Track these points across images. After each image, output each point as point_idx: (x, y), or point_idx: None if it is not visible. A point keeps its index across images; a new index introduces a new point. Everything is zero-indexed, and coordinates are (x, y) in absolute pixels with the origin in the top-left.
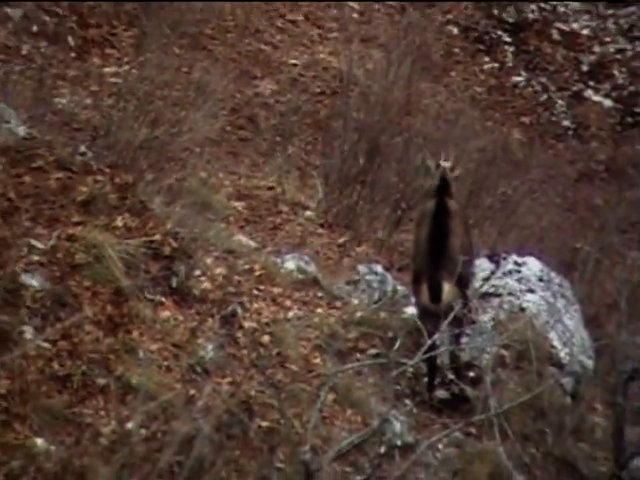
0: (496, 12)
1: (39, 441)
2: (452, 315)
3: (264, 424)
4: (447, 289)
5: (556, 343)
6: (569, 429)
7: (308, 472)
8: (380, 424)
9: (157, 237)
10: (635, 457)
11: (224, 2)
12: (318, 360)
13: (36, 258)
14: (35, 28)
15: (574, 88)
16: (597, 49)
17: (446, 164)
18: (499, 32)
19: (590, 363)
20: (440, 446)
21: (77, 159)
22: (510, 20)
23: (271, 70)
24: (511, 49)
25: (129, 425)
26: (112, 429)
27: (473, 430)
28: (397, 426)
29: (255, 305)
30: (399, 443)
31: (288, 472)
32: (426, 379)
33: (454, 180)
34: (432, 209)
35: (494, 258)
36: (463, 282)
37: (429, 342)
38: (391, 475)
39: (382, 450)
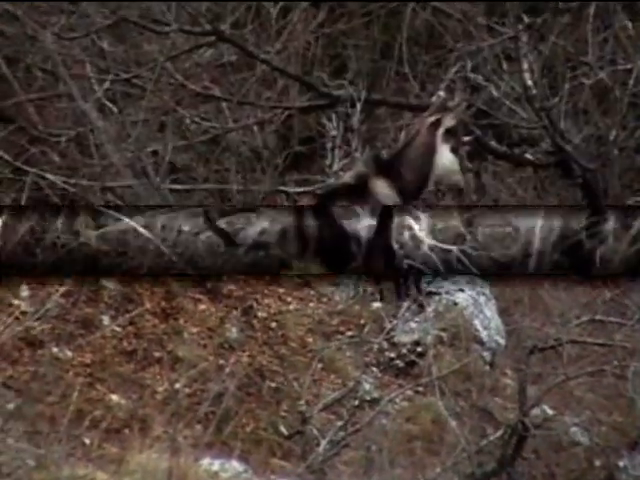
0: None
1: (114, 397)
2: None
3: (272, 385)
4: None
5: (479, 327)
6: (488, 388)
7: (303, 418)
8: (354, 385)
9: None
10: (534, 407)
11: None
12: (310, 339)
13: None
14: None
15: None
16: None
17: None
18: None
19: (503, 342)
20: (397, 400)
21: None
22: None
23: None
24: None
25: (177, 385)
26: (165, 388)
27: (421, 389)
28: (366, 386)
29: (266, 300)
30: (368, 398)
31: (289, 419)
32: (387, 352)
33: None
34: None
35: None
36: None
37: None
38: (362, 421)
39: (356, 403)
